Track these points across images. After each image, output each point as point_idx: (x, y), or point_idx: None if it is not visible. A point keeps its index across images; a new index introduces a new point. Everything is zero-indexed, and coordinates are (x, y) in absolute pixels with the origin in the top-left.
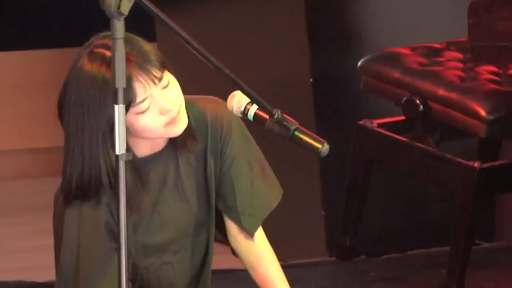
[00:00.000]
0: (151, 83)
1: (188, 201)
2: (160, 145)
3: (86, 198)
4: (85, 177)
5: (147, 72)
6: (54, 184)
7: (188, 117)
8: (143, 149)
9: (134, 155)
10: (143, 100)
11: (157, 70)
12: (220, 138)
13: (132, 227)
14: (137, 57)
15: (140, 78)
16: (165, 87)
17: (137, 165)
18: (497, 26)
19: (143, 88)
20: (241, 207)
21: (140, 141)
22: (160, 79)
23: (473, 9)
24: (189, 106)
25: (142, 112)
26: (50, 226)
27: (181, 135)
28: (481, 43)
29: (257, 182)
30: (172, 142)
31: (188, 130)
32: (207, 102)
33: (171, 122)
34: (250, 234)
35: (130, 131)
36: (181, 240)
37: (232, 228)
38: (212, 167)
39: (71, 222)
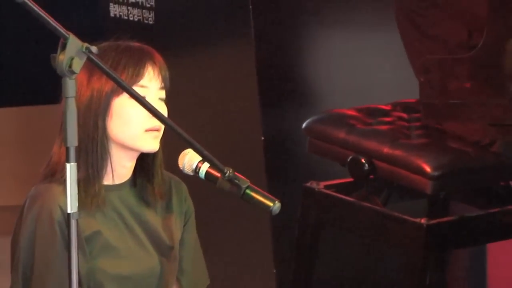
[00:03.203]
0: (157, 82)
1: (144, 245)
2: (123, 176)
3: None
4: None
5: (160, 72)
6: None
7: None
8: (108, 175)
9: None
10: (143, 86)
11: (166, 82)
12: (184, 200)
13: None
14: (161, 61)
15: (153, 70)
16: (162, 100)
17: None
18: (448, 84)
19: (149, 78)
20: (188, 273)
21: (112, 157)
22: (163, 89)
23: (423, 67)
24: None
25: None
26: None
27: (144, 181)
28: (432, 101)
29: (201, 257)
30: (135, 184)
31: (151, 177)
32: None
33: (152, 130)
34: None
35: (112, 126)
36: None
37: None
38: (178, 225)
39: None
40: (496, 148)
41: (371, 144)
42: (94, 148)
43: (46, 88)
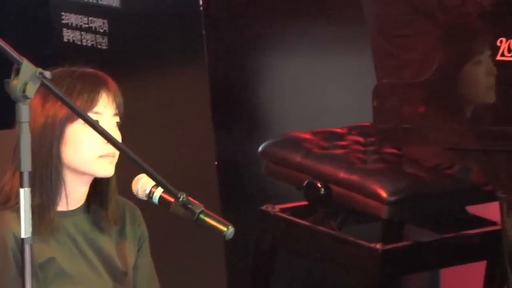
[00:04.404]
0: (111, 108)
1: (98, 271)
2: (77, 202)
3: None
4: None
5: (115, 99)
6: None
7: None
8: (62, 201)
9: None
10: (97, 112)
11: (120, 108)
12: (138, 226)
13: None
14: (115, 87)
15: (108, 96)
16: (116, 125)
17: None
18: (401, 108)
19: (103, 104)
20: None
21: (66, 183)
22: (117, 115)
23: (377, 92)
24: None
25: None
26: None
27: (97, 206)
28: (386, 126)
29: (156, 282)
30: (88, 210)
31: (105, 202)
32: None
33: (107, 156)
34: None
35: (66, 153)
36: None
37: None
38: (132, 250)
39: None
40: (453, 171)
41: (327, 169)
42: (48, 175)
43: (0, 113)
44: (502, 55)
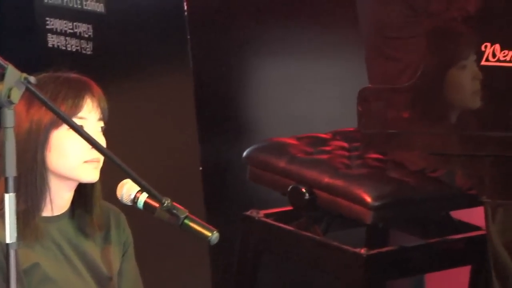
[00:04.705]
0: (96, 113)
1: (82, 277)
2: (62, 208)
3: None
4: None
5: (99, 104)
6: None
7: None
8: (47, 206)
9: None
10: (82, 118)
11: (105, 113)
12: (123, 231)
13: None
14: (100, 92)
15: (92, 101)
16: (101, 131)
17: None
18: (386, 113)
19: (88, 109)
20: None
21: (51, 188)
22: (102, 120)
23: (362, 97)
24: None
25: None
26: None
27: (82, 212)
28: (371, 131)
29: (141, 287)
30: (73, 215)
31: (90, 208)
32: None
33: (92, 161)
34: None
35: (51, 158)
36: None
37: None
38: (116, 255)
39: None
40: (438, 174)
41: (312, 174)
42: (33, 180)
43: None
44: (487, 60)
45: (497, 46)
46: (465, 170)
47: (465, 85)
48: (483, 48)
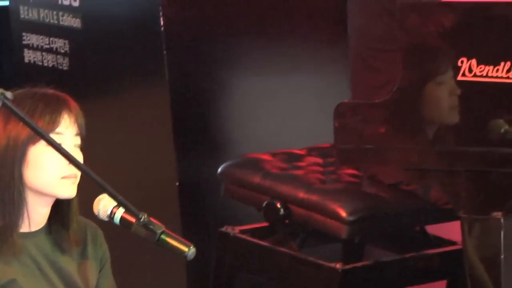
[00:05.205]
0: (73, 129)
1: None
2: (39, 223)
3: None
4: None
5: (76, 120)
6: None
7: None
8: (24, 222)
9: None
10: (59, 133)
11: (82, 129)
12: (100, 246)
13: None
14: (77, 108)
15: (69, 117)
16: (78, 146)
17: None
18: (362, 129)
19: (65, 125)
20: None
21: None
22: (79, 136)
23: (339, 112)
24: None
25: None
26: None
27: (59, 227)
28: (347, 146)
29: None
30: (50, 231)
31: (67, 223)
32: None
33: (69, 177)
34: None
35: (29, 174)
36: None
37: None
38: (93, 271)
39: None
40: (413, 187)
41: (287, 189)
42: (10, 196)
43: None
44: (463, 75)
45: (474, 61)
46: (441, 185)
47: (442, 100)
48: (459, 63)
